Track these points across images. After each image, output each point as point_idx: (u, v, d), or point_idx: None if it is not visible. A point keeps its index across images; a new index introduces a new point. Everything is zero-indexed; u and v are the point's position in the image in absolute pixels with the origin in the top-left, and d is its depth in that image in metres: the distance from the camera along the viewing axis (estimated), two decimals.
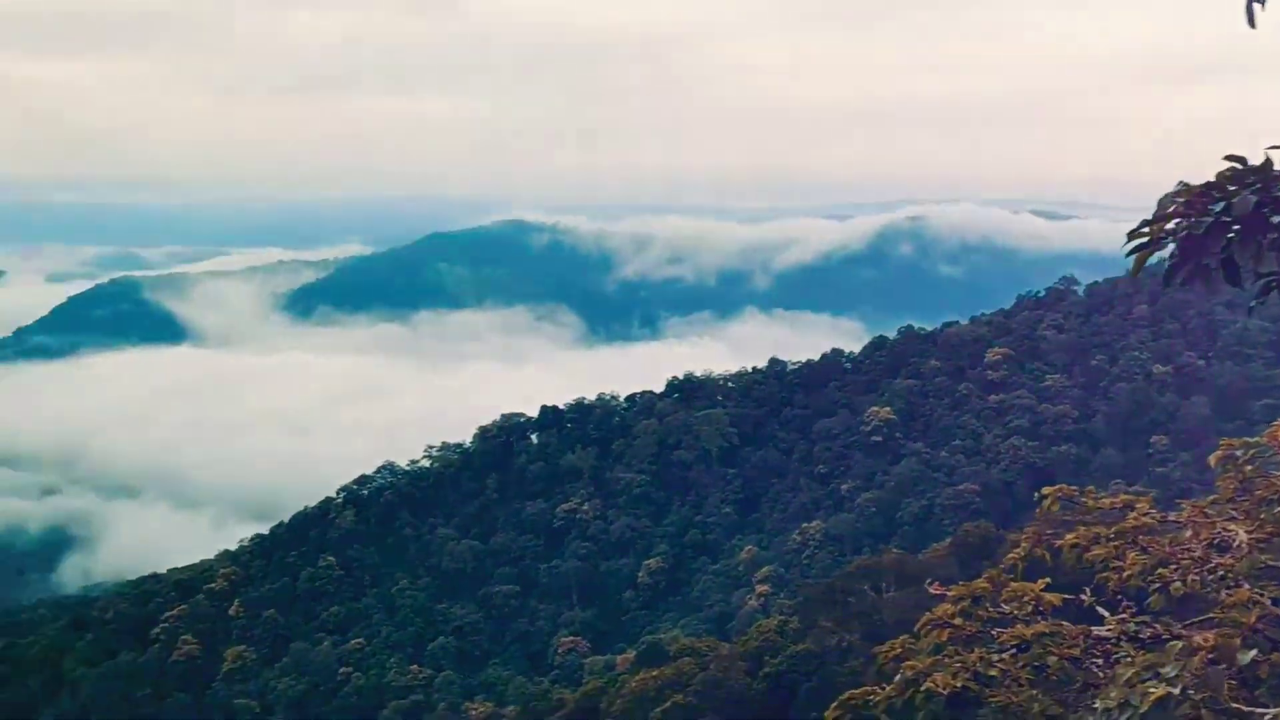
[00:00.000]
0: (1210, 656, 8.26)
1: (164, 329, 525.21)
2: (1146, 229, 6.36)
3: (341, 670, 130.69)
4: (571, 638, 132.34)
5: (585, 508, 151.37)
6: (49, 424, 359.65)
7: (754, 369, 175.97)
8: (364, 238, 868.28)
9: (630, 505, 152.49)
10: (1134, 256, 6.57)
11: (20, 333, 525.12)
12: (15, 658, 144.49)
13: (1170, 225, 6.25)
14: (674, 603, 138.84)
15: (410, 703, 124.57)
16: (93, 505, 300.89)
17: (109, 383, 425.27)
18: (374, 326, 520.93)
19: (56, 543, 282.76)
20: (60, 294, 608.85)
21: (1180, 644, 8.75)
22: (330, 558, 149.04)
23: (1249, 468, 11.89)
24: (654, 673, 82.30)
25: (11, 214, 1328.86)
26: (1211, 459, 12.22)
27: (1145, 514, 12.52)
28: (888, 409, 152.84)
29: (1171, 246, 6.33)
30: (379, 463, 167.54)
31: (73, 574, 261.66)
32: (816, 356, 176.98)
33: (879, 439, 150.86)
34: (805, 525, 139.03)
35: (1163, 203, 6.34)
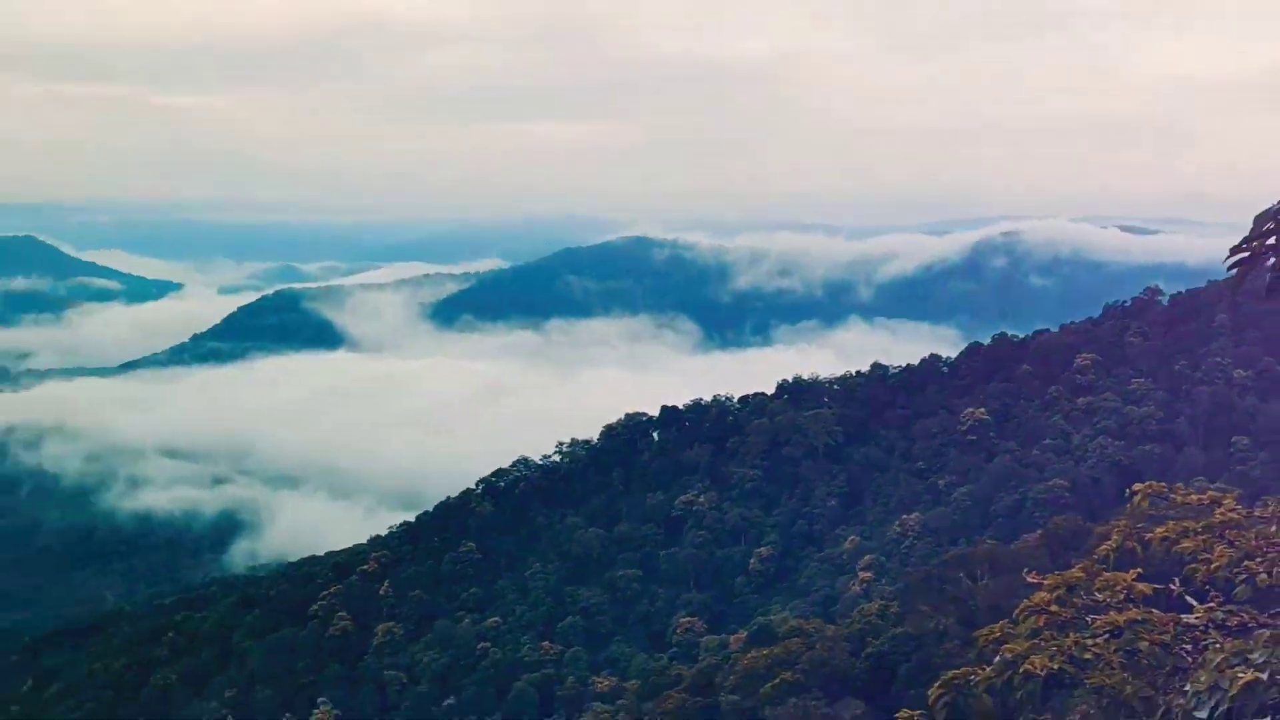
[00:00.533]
0: None
1: (322, 336, 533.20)
2: (1247, 245, 6.25)
3: (480, 645, 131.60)
4: (689, 618, 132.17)
5: (701, 499, 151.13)
6: (221, 421, 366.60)
7: (857, 373, 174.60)
8: (501, 253, 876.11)
9: (743, 498, 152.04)
10: (1235, 270, 6.45)
11: (196, 339, 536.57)
12: (190, 630, 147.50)
13: (1271, 241, 6.14)
14: (782, 588, 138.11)
15: (541, 676, 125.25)
16: (259, 494, 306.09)
17: (274, 384, 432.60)
18: (510, 334, 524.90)
19: (227, 527, 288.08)
20: (230, 304, 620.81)
21: (1267, 632, 8.57)
22: (470, 543, 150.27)
23: None
24: (764, 651, 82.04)
25: (187, 232, 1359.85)
26: None
27: (1231, 509, 12.27)
28: (982, 410, 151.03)
29: (1272, 260, 6.21)
30: (514, 458, 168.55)
31: (241, 556, 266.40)
32: (916, 362, 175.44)
33: (974, 438, 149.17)
34: (905, 517, 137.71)
35: (1260, 219, 6.22)
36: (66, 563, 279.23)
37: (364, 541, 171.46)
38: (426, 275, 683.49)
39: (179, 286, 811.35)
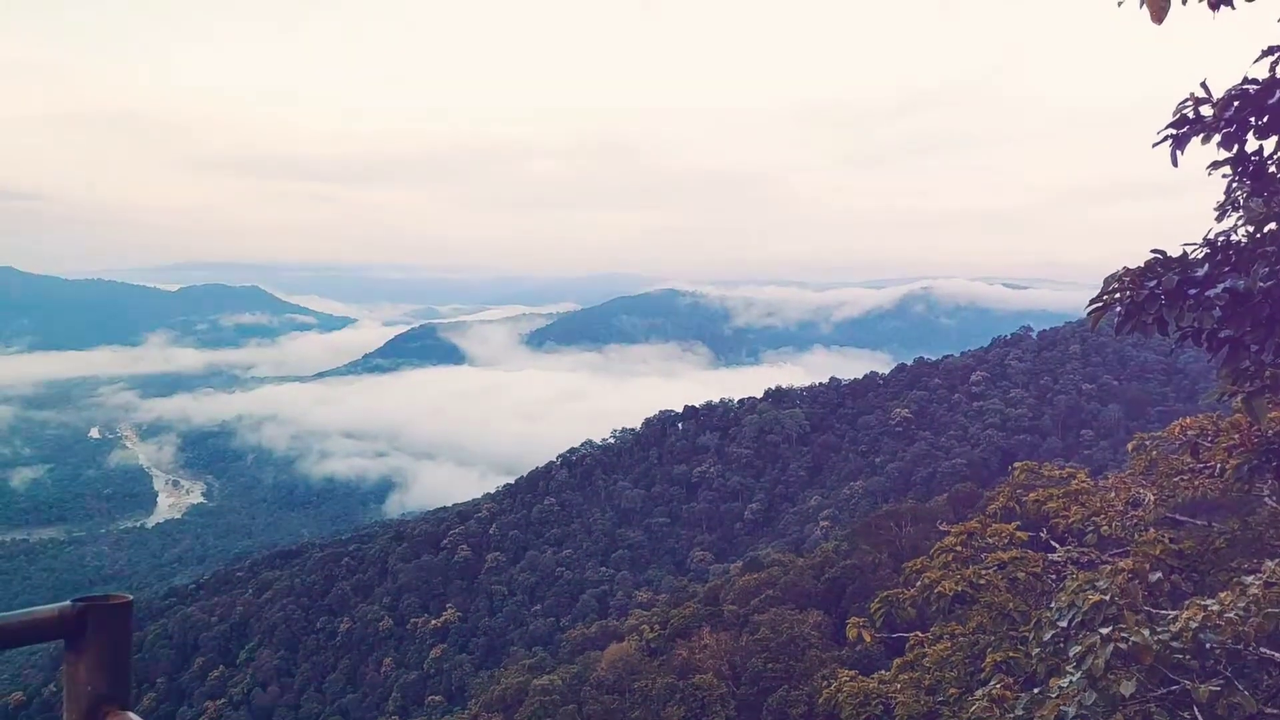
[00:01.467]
0: (1129, 575, 7.99)
1: (451, 355, 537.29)
2: (1104, 296, 6.32)
3: (557, 569, 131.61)
4: (702, 553, 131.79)
5: (711, 470, 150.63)
6: (381, 413, 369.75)
7: (820, 384, 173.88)
8: (575, 299, 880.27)
9: (739, 469, 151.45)
10: (1092, 314, 6.49)
11: (366, 357, 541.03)
12: (360, 556, 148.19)
13: (1118, 295, 6.21)
14: (767, 531, 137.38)
15: (600, 590, 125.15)
16: (407, 464, 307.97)
17: (418, 388, 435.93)
18: (580, 355, 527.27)
19: (385, 486, 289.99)
20: (389, 333, 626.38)
21: (1109, 567, 8.48)
22: (551, 499, 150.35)
23: (1154, 452, 11.50)
24: (754, 575, 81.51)
25: (361, 283, 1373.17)
26: (1129, 445, 11.85)
27: (1082, 482, 12.19)
28: (906, 410, 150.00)
29: (1119, 308, 6.29)
30: (582, 440, 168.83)
31: (394, 506, 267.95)
32: (860, 376, 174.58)
33: (900, 429, 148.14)
34: (852, 484, 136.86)
35: (1108, 280, 6.29)
36: (277, 508, 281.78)
37: (479, 496, 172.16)
38: (523, 314, 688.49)
39: (355, 321, 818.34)
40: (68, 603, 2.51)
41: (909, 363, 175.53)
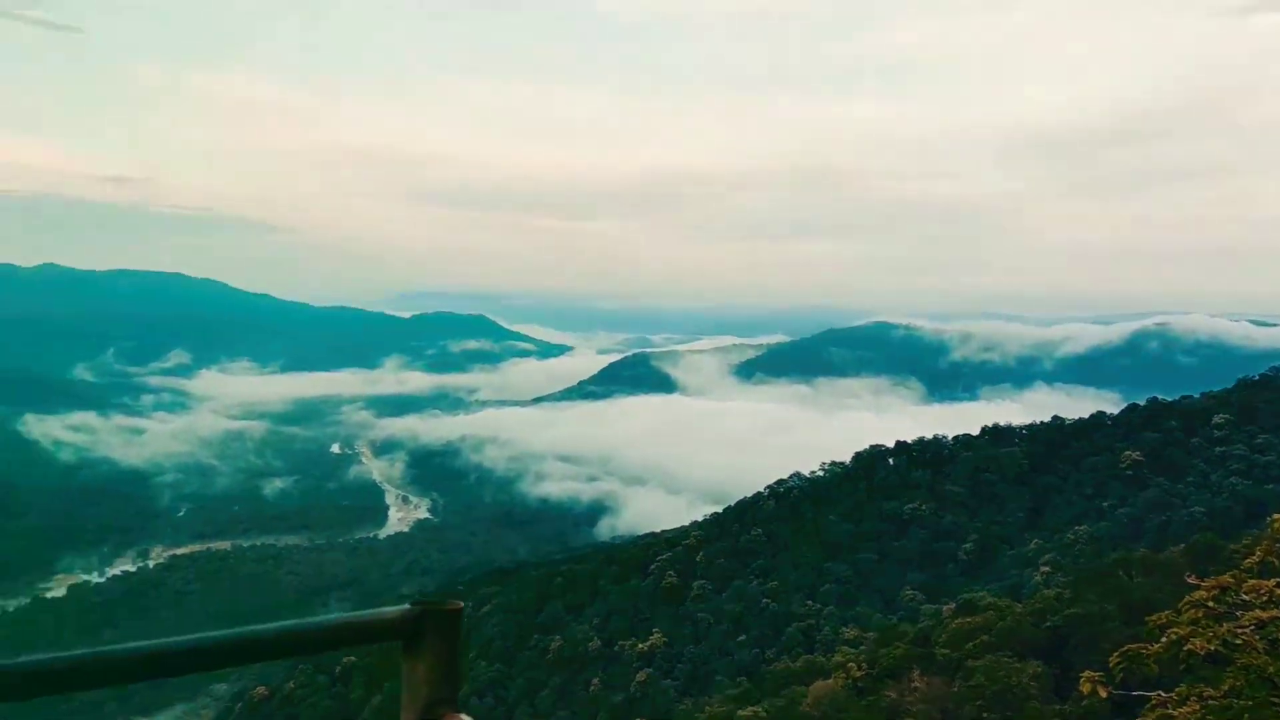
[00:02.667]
0: None
1: (663, 384, 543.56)
2: None
3: (763, 600, 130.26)
4: (912, 592, 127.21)
5: (923, 508, 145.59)
6: (596, 438, 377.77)
7: (1042, 422, 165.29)
8: (785, 331, 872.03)
9: (952, 507, 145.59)
10: None
11: (581, 383, 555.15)
12: (572, 576, 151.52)
13: None
14: (981, 574, 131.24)
15: (806, 624, 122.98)
16: (618, 489, 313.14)
17: (630, 415, 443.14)
18: (790, 387, 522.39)
19: (596, 510, 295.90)
20: (603, 361, 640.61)
21: None
22: (758, 529, 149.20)
23: None
24: (968, 619, 78.09)
25: (578, 312, 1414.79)
26: None
27: None
28: (1137, 452, 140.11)
29: None
30: (790, 472, 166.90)
31: (605, 529, 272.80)
32: (1086, 415, 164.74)
33: (1131, 473, 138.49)
34: (1076, 529, 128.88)
35: None
36: (496, 526, 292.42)
37: (687, 524, 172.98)
38: (733, 344, 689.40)
39: (571, 349, 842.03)
40: (406, 606, 2.62)
41: (1141, 403, 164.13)
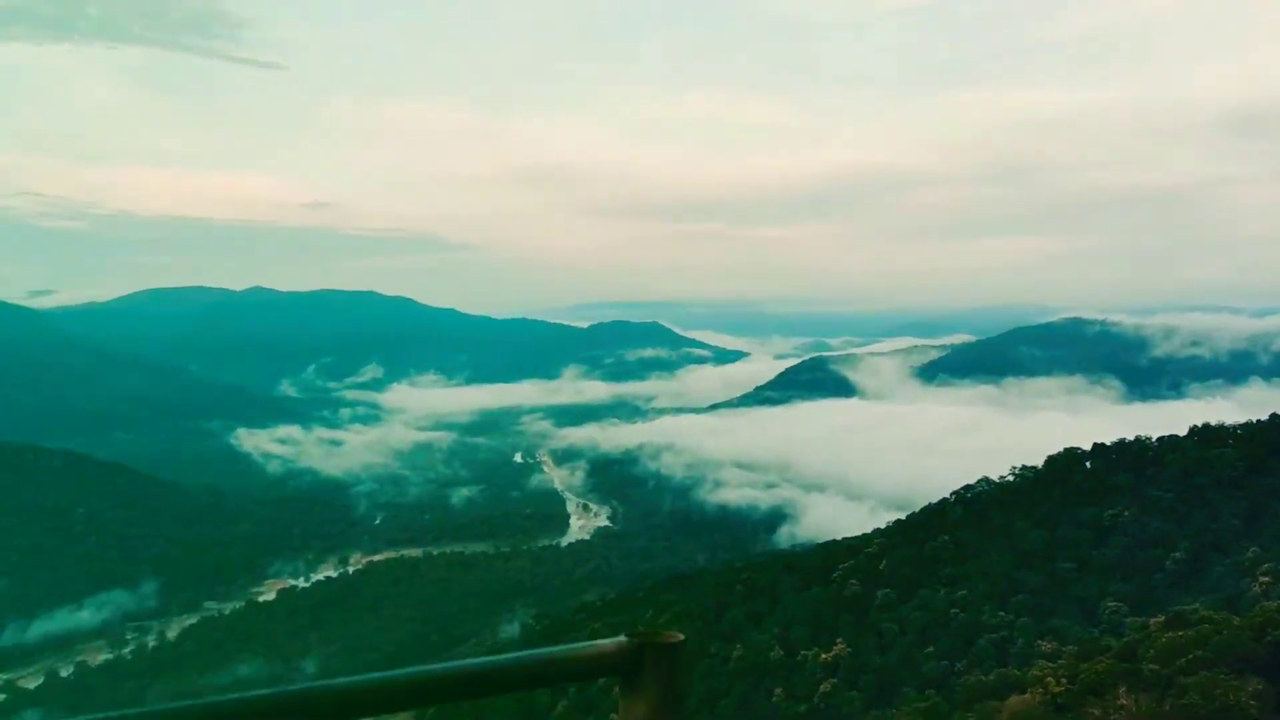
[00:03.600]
0: None
1: (842, 388, 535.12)
2: None
3: (951, 610, 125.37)
4: (1115, 603, 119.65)
5: (1126, 514, 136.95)
6: (772, 444, 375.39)
7: (1259, 420, 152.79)
8: (971, 330, 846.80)
9: (1159, 513, 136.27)
10: None
11: (758, 389, 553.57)
12: (751, 584, 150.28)
13: None
14: (1192, 586, 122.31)
15: (998, 636, 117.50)
16: (797, 495, 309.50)
17: (808, 420, 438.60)
18: (976, 388, 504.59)
19: (776, 517, 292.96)
20: (780, 366, 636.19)
21: None
22: (945, 536, 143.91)
23: None
24: (1179, 633, 72.66)
25: (754, 318, 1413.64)
26: None
27: None
28: None
29: None
30: (978, 477, 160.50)
31: (784, 537, 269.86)
32: None
33: None
34: None
35: None
36: (674, 533, 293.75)
37: (869, 531, 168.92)
38: (915, 346, 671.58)
39: (747, 355, 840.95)
40: (623, 638, 2.52)
41: None
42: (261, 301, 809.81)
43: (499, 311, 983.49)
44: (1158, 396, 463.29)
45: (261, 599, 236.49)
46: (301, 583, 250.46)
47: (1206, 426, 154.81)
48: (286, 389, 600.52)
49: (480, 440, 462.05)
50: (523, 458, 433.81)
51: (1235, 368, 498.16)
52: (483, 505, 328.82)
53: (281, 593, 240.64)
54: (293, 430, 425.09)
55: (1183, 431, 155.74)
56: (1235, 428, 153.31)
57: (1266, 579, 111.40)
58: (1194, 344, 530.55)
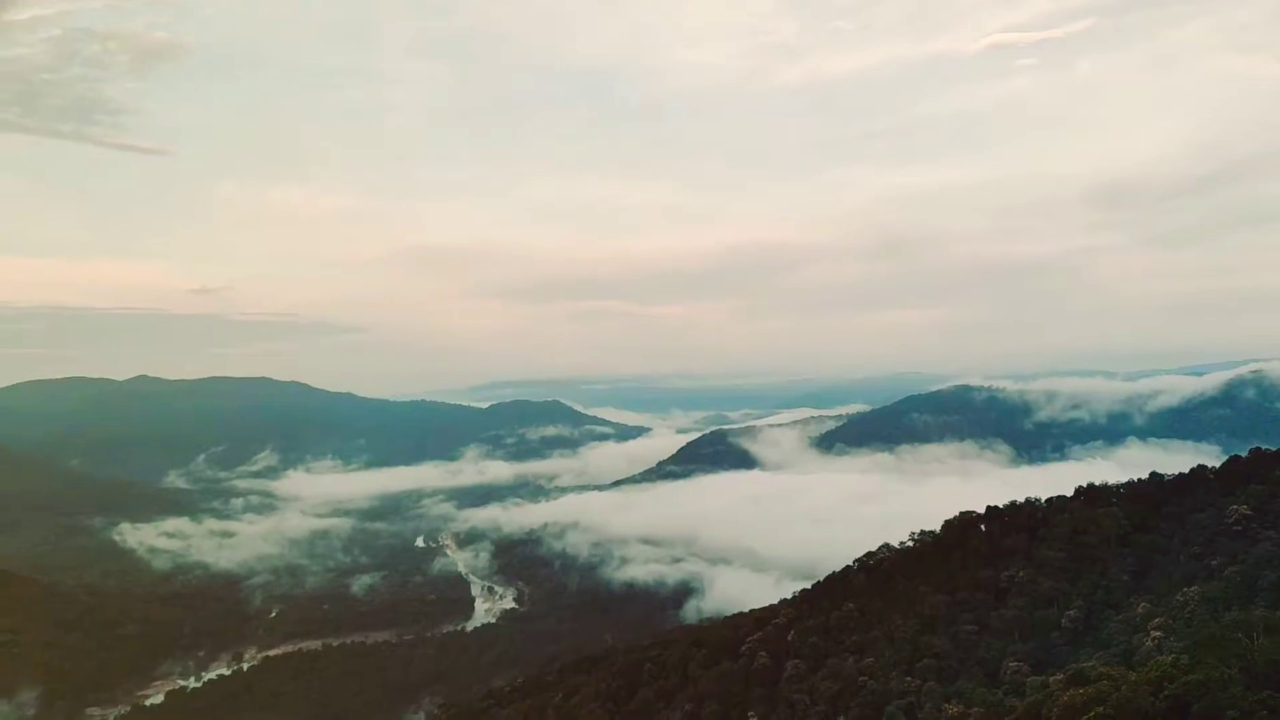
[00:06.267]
0: None
1: (743, 460, 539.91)
2: None
3: (860, 678, 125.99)
4: (1016, 663, 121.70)
5: (1021, 574, 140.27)
6: (678, 518, 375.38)
7: (1139, 479, 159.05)
8: (864, 400, 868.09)
9: (1052, 573, 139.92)
10: None
11: (660, 464, 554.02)
12: (661, 661, 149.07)
13: None
14: (1088, 642, 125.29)
15: (906, 702, 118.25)
16: (703, 569, 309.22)
17: (711, 493, 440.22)
18: (872, 456, 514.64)
19: (683, 591, 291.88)
20: (682, 440, 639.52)
21: None
22: (850, 604, 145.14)
23: None
24: (1080, 690, 74.14)
25: (654, 395, 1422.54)
26: None
27: None
28: (1245, 506, 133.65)
29: None
30: (879, 543, 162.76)
31: (692, 611, 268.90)
32: (1186, 470, 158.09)
33: (1239, 528, 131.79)
34: (1186, 590, 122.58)
35: None
36: (582, 612, 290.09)
37: (776, 602, 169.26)
38: (812, 417, 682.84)
39: (649, 430, 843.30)
40: None
41: (1243, 454, 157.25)
42: (147, 391, 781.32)
43: (397, 394, 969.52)
44: (1043, 459, 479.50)
45: (149, 702, 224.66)
46: (192, 682, 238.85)
47: (1091, 486, 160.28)
48: (174, 480, 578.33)
49: (380, 525, 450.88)
50: (425, 541, 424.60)
51: (1113, 429, 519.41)
52: (384, 592, 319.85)
53: (170, 694, 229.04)
54: (181, 523, 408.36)
55: (1069, 492, 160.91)
56: (1119, 487, 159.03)
57: (1158, 633, 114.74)
58: (1074, 407, 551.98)
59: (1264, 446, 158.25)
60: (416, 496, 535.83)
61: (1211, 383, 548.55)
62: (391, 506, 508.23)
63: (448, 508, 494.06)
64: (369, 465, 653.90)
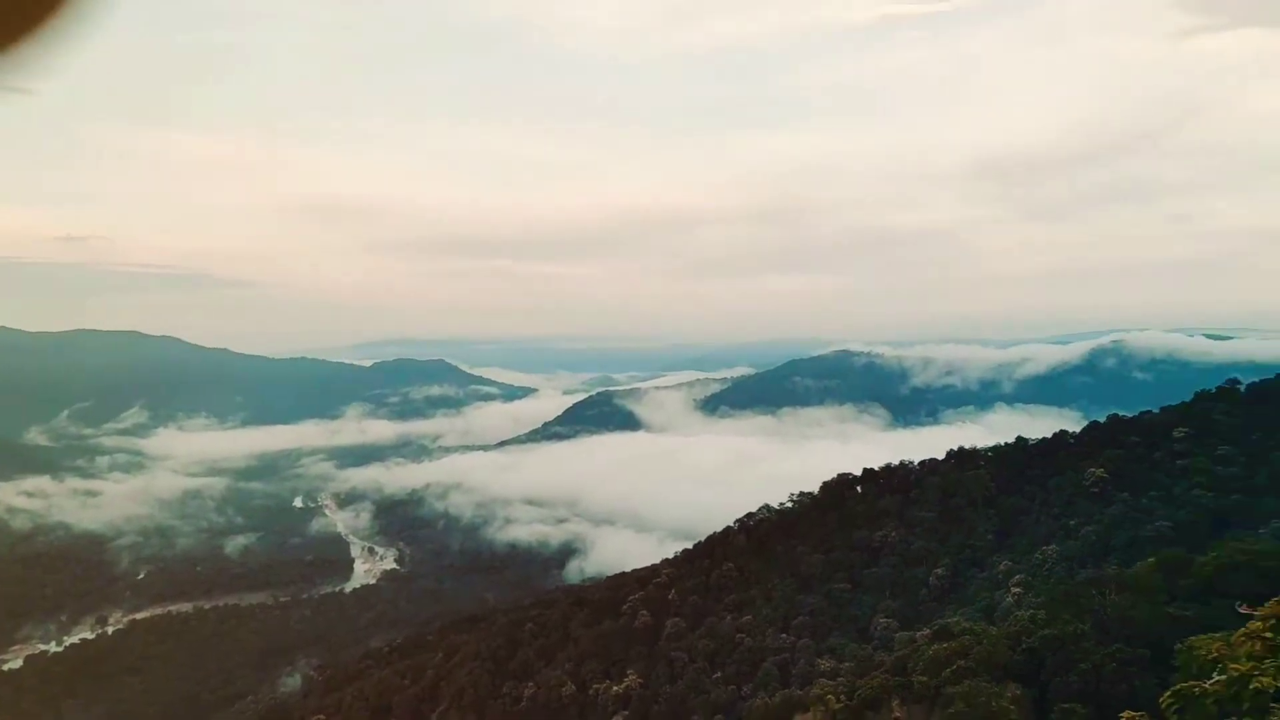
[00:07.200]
0: None
1: (628, 422, 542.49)
2: None
3: (737, 635, 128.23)
4: (886, 620, 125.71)
5: (893, 535, 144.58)
6: (562, 479, 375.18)
7: (1005, 444, 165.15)
8: (749, 364, 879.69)
9: (923, 533, 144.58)
10: None
11: (546, 425, 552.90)
12: (543, 621, 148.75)
13: None
14: (953, 599, 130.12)
15: (781, 658, 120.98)
16: (586, 529, 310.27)
17: (596, 455, 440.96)
18: (755, 419, 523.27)
19: (566, 552, 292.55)
20: (568, 402, 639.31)
21: None
22: (729, 564, 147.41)
23: None
24: (944, 645, 76.78)
25: (541, 355, 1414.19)
26: None
27: None
28: (1101, 469, 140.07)
29: None
30: (759, 505, 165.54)
31: (574, 571, 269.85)
32: (1049, 435, 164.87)
33: (1096, 490, 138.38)
34: (1044, 548, 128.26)
35: None
36: (464, 573, 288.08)
37: (658, 562, 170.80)
38: (697, 380, 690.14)
39: (535, 391, 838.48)
40: None
41: (1101, 420, 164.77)
42: (6, 344, 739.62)
43: (276, 351, 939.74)
44: (917, 423, 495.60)
45: (6, 667, 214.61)
46: (53, 646, 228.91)
47: (961, 450, 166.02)
48: (35, 437, 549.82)
49: (257, 485, 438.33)
50: (303, 502, 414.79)
51: (983, 394, 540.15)
52: (260, 554, 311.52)
53: (30, 659, 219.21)
54: (42, 482, 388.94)
55: (941, 455, 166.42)
56: (986, 450, 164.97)
57: (1018, 590, 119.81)
58: (948, 373, 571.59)
59: (1121, 413, 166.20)
60: (295, 456, 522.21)
61: (1075, 351, 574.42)
62: (269, 466, 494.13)
63: (328, 467, 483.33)
64: (245, 424, 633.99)
